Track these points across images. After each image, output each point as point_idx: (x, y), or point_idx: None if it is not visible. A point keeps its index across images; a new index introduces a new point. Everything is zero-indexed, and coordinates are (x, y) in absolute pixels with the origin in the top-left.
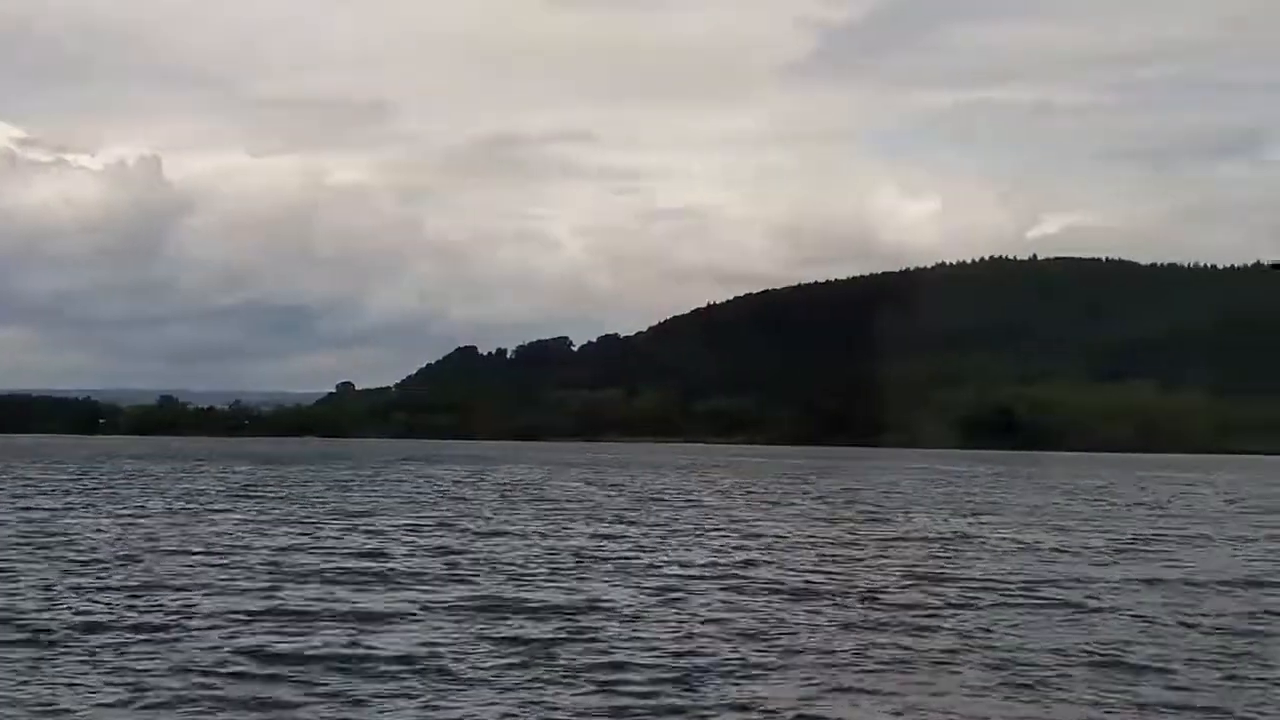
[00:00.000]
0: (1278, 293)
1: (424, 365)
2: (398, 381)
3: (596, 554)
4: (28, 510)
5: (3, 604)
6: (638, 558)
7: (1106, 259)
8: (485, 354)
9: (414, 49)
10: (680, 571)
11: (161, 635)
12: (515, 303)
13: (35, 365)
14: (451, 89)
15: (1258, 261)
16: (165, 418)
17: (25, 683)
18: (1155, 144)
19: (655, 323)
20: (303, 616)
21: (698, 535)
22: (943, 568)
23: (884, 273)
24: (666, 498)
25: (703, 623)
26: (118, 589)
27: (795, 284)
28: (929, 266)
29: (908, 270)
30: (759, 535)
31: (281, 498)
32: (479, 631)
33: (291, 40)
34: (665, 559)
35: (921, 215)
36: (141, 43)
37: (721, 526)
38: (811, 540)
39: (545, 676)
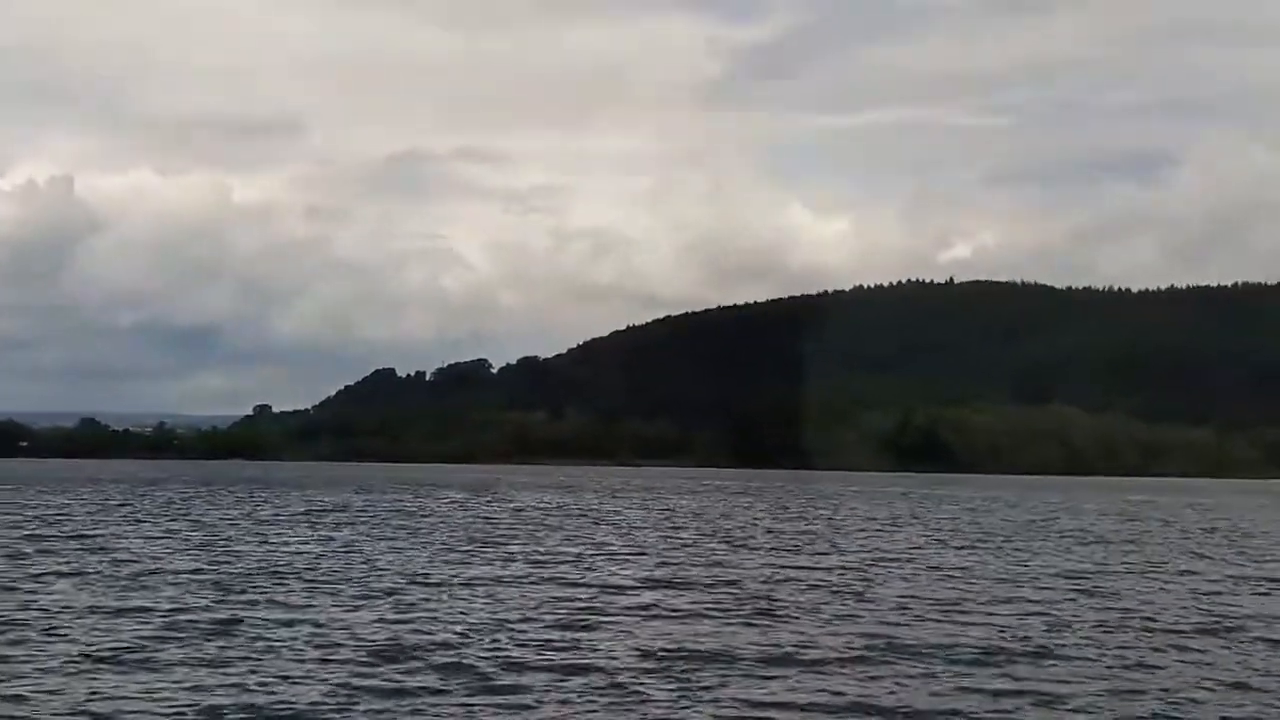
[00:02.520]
0: (1191, 317)
1: (341, 387)
2: (316, 404)
3: (854, 582)
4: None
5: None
6: (908, 585)
7: (1022, 282)
8: (404, 376)
9: (321, 67)
10: (992, 613)
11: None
12: (428, 323)
13: None
14: (359, 107)
15: (1171, 285)
16: (88, 440)
17: None
18: (1064, 165)
19: (574, 344)
20: (721, 659)
21: (889, 566)
22: (1197, 603)
23: (803, 295)
24: (753, 522)
25: (1140, 667)
26: (457, 629)
27: (715, 306)
28: (847, 289)
29: (826, 293)
30: (960, 567)
31: (394, 526)
32: (957, 683)
33: (197, 58)
34: (928, 592)
35: (834, 237)
36: (46, 61)
37: (899, 557)
38: (1035, 574)
39: None
